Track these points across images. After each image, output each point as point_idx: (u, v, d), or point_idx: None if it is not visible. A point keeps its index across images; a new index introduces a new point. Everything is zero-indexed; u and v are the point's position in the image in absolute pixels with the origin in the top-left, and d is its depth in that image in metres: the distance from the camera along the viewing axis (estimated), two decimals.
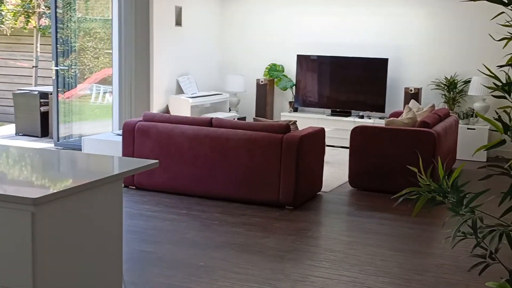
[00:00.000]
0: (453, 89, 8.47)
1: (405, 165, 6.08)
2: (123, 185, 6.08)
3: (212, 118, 5.90)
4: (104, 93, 9.00)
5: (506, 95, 1.95)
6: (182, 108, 8.38)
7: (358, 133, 6.35)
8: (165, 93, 8.55)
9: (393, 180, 6.13)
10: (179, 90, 8.78)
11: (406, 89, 8.63)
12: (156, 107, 8.16)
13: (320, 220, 5.51)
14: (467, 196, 2.13)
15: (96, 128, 8.48)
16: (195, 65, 9.29)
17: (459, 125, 7.87)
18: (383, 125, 6.53)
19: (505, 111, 1.99)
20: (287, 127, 5.60)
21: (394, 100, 8.93)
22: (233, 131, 5.71)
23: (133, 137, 6.02)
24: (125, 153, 6.04)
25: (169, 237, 4.73)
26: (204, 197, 5.82)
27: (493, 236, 1.98)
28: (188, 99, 8.45)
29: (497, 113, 2.02)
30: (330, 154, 8.00)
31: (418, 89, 8.58)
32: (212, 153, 5.73)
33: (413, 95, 8.50)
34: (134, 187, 6.12)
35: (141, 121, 6.08)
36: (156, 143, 5.93)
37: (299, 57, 9.32)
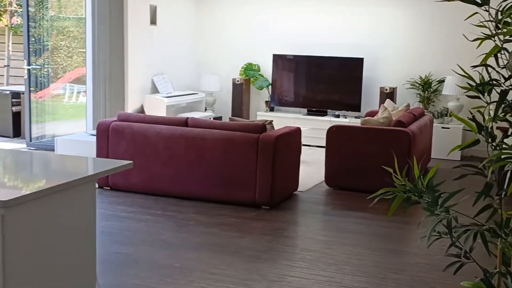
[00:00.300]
0: (427, 88, 8.55)
1: (381, 164, 6.11)
2: (97, 186, 6.01)
3: (187, 118, 5.86)
4: (78, 92, 8.89)
5: (480, 95, 1.96)
6: (157, 107, 8.32)
7: (334, 133, 6.36)
8: (140, 92, 8.47)
9: (369, 179, 6.15)
10: (154, 90, 8.71)
11: (382, 88, 8.68)
12: (131, 107, 8.09)
13: (297, 219, 5.50)
14: (442, 195, 2.13)
15: (69, 128, 8.37)
16: (171, 65, 9.23)
17: (434, 124, 7.94)
18: (359, 125, 6.55)
19: (479, 111, 2.00)
20: (263, 126, 5.59)
21: (370, 99, 8.97)
22: (208, 131, 5.68)
23: (108, 137, 5.95)
24: (99, 154, 5.97)
25: (144, 238, 4.68)
26: (180, 197, 5.78)
27: (467, 235, 1.99)
28: (164, 99, 8.38)
29: (471, 113, 2.03)
30: (306, 154, 8.01)
31: (393, 88, 8.63)
32: (188, 153, 5.69)
33: (389, 94, 8.55)
34: (109, 188, 6.05)
35: (115, 121, 6.01)
36: (131, 143, 5.87)
37: (275, 57, 9.31)
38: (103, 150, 5.97)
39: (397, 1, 8.81)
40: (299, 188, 6.24)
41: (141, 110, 6.26)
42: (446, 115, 8.42)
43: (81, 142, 6.37)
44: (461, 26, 8.42)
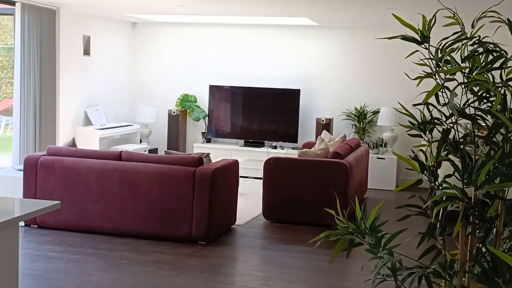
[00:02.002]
0: (363, 119, 8.65)
1: (319, 196, 6.10)
2: (23, 224, 5.68)
3: (121, 151, 5.66)
4: (6, 124, 8.50)
5: (422, 134, 1.91)
6: (90, 140, 8.05)
7: (271, 165, 6.29)
8: (72, 124, 8.18)
9: (307, 212, 6.11)
10: (88, 122, 8.44)
11: (318, 119, 8.72)
12: (62, 140, 7.78)
13: (235, 255, 5.36)
14: (384, 236, 2.06)
15: None
16: (105, 96, 8.99)
17: (370, 154, 8.01)
18: (296, 157, 6.51)
19: (421, 150, 1.95)
20: (200, 159, 5.46)
21: (307, 130, 9.00)
22: (143, 164, 5.49)
23: (36, 173, 5.66)
24: (27, 190, 5.67)
25: (73, 280, 4.42)
26: (112, 234, 5.53)
27: (412, 278, 1.92)
28: (97, 131, 8.12)
29: (413, 152, 1.97)
30: (243, 186, 7.90)
31: (330, 119, 8.69)
32: (121, 188, 5.48)
33: (325, 125, 8.60)
34: (36, 226, 5.73)
35: (44, 155, 5.74)
36: (61, 178, 5.60)
37: (212, 88, 9.23)
38: (30, 187, 5.67)
39: (332, 33, 8.93)
40: (237, 222, 6.11)
41: (72, 144, 6.01)
42: (381, 146, 8.54)
43: (7, 178, 6.02)
44: (397, 58, 8.64)
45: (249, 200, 7.24)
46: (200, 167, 5.40)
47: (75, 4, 7.43)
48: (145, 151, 8.85)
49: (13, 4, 6.99)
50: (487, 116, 1.88)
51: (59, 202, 2.82)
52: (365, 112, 8.68)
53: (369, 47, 8.78)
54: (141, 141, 9.28)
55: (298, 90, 8.84)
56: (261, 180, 6.45)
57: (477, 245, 1.96)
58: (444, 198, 1.82)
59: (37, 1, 7.16)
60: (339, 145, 6.83)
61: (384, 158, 8.40)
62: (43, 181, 5.65)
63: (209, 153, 5.96)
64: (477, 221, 1.82)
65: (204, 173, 5.34)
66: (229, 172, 5.78)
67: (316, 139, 8.61)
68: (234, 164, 5.92)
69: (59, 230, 5.64)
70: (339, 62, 8.94)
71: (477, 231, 1.87)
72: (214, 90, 9.24)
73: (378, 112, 8.62)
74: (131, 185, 5.46)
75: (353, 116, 8.74)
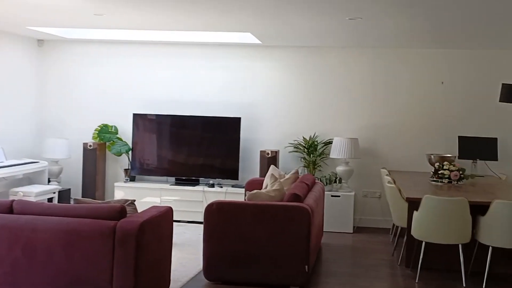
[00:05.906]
0: (313, 151, 7.51)
1: (274, 248, 4.85)
2: None
3: (12, 200, 4.22)
4: None
5: None
6: None
7: (214, 211, 4.99)
8: None
9: (260, 269, 4.88)
10: None
11: (262, 152, 7.50)
12: None
13: None
14: None
15: None
16: (3, 128, 7.46)
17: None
18: (245, 200, 5.24)
19: None
20: (122, 210, 4.10)
21: (249, 165, 7.78)
22: (43, 218, 4.08)
23: None
24: None
25: None
26: None
27: None
28: None
29: None
30: (176, 233, 6.59)
31: (276, 152, 7.49)
32: (13, 251, 4.05)
33: (271, 159, 7.40)
34: None
35: None
36: None
37: (136, 117, 7.86)
38: None
39: (277, 53, 7.81)
40: (171, 285, 4.77)
41: None
42: (335, 181, 7.41)
43: None
44: (351, 82, 7.63)
45: (185, 253, 5.89)
46: (123, 220, 4.05)
47: None
48: (54, 193, 7.36)
49: None
50: None
51: None
52: (316, 143, 7.54)
53: (319, 70, 7.72)
54: (49, 181, 7.76)
55: (239, 119, 7.61)
56: (197, 225, 5.21)
57: None
58: None
59: None
60: (295, 184, 5.62)
61: (339, 196, 7.26)
62: None
63: (134, 200, 4.60)
64: None
65: (128, 228, 3.99)
66: (161, 224, 4.44)
67: (260, 175, 7.42)
68: (168, 213, 4.58)
69: None
70: (285, 87, 7.81)
71: None
72: (139, 120, 7.87)
73: (330, 143, 7.52)
74: (26, 247, 4.04)
75: (302, 148, 7.58)
